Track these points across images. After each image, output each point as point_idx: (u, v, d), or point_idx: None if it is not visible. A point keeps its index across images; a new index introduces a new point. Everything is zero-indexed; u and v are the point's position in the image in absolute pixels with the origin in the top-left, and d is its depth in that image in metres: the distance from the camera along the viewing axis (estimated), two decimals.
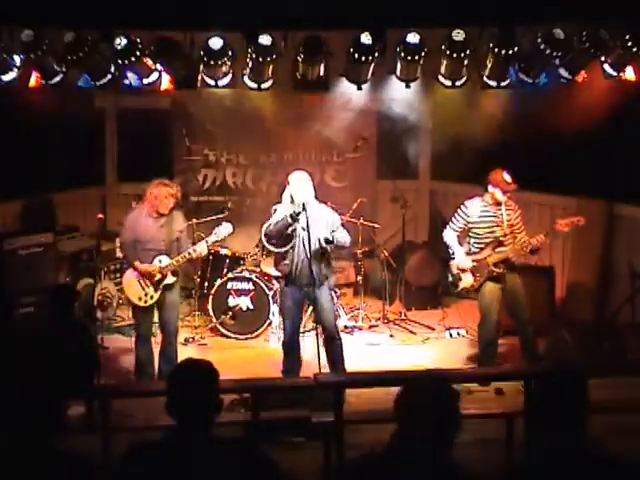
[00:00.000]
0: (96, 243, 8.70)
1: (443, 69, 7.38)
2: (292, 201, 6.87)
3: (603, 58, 7.20)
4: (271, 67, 7.32)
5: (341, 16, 7.07)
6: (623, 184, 8.37)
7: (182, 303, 7.91)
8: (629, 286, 8.39)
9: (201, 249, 7.24)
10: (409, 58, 7.17)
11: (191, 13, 7.02)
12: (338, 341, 7.14)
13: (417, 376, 3.16)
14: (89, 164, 10.19)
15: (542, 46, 7.03)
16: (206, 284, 9.21)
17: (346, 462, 5.23)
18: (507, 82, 7.46)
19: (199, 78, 7.44)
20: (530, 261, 8.49)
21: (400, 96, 8.35)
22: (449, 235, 7.70)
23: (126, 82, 7.41)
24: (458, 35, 7.04)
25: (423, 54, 7.15)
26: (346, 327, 8.97)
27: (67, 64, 7.17)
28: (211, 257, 9.21)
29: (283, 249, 7.03)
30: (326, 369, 7.01)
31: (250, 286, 8.86)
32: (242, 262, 9.26)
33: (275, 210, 7.03)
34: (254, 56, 7.14)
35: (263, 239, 7.12)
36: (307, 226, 6.73)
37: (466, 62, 7.24)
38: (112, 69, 7.23)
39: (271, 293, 8.83)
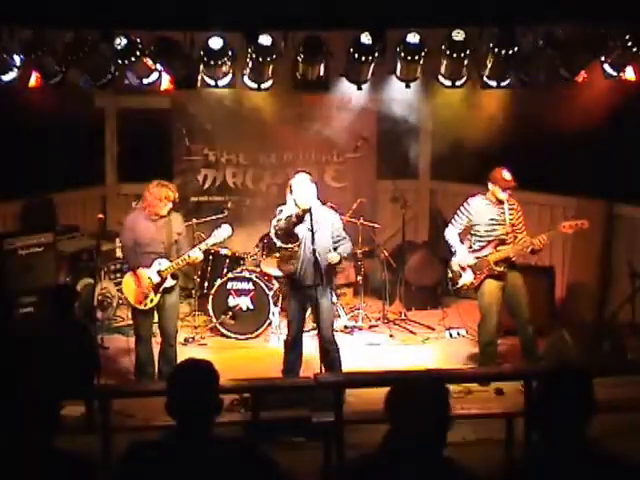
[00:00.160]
0: (96, 243, 8.70)
1: (443, 69, 7.38)
2: (296, 205, 6.85)
3: (603, 58, 7.20)
4: (271, 67, 7.31)
5: (341, 16, 7.07)
6: (623, 184, 8.37)
7: (182, 303, 7.91)
8: (629, 286, 8.38)
9: (196, 255, 7.22)
10: (409, 58, 7.17)
11: (191, 13, 7.02)
12: (334, 346, 7.09)
13: (405, 376, 3.17)
14: (89, 164, 10.20)
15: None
16: (206, 284, 9.22)
17: (344, 463, 5.24)
18: (507, 82, 7.46)
19: (199, 78, 7.44)
20: (530, 261, 8.49)
21: (400, 96, 8.36)
22: (451, 233, 7.70)
23: (126, 82, 7.42)
24: (458, 35, 7.04)
25: (423, 54, 7.15)
26: (346, 327, 8.97)
27: (67, 64, 7.17)
28: (211, 257, 9.22)
29: (290, 245, 7.00)
30: None
31: (250, 286, 8.87)
32: (242, 262, 9.26)
33: (281, 211, 7.00)
34: (254, 56, 7.14)
35: (271, 232, 7.10)
36: (311, 228, 6.72)
37: (466, 62, 7.24)
38: (112, 69, 7.23)
39: (271, 293, 8.83)
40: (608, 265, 8.99)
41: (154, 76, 7.38)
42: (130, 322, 7.83)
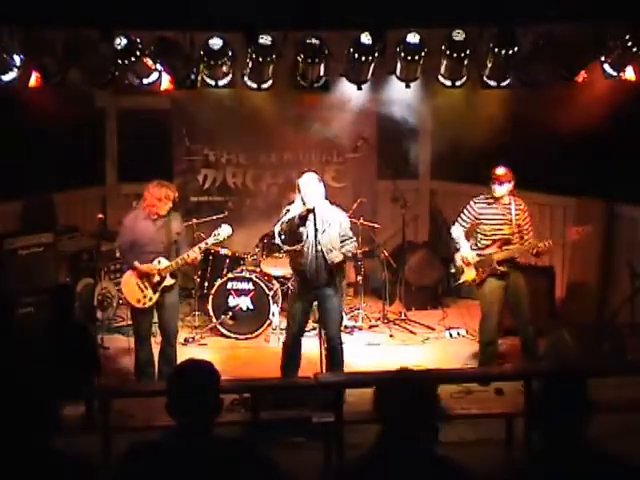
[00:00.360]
0: (96, 243, 8.69)
1: (443, 69, 7.37)
2: (303, 204, 6.86)
3: (603, 58, 7.20)
4: (271, 67, 7.31)
5: (341, 16, 7.07)
6: (623, 184, 8.37)
7: (182, 303, 7.92)
8: (629, 286, 8.39)
9: (195, 254, 7.22)
10: (409, 58, 7.16)
11: (191, 13, 7.01)
12: (339, 348, 7.10)
13: (389, 376, 3.18)
14: (89, 164, 10.20)
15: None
16: (206, 284, 9.22)
17: (343, 464, 5.24)
18: (507, 82, 7.46)
19: (199, 78, 7.44)
20: (530, 261, 8.49)
21: (400, 96, 8.35)
22: (456, 230, 7.71)
23: (126, 82, 7.42)
24: (458, 35, 7.03)
25: (423, 54, 7.15)
26: (346, 327, 8.96)
27: (67, 64, 7.17)
28: (211, 257, 9.22)
29: (293, 247, 7.01)
30: None
31: (250, 286, 8.87)
32: (242, 262, 9.25)
33: (288, 210, 7.00)
34: (254, 56, 7.14)
35: (275, 234, 7.10)
36: (315, 228, 6.72)
37: (466, 62, 7.23)
38: (112, 69, 7.22)
39: (271, 293, 8.83)
40: (608, 265, 8.99)
41: (154, 76, 7.38)
42: (130, 322, 7.83)
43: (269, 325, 8.80)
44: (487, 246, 7.53)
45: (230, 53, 7.19)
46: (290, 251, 7.07)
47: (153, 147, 10.06)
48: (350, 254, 7.18)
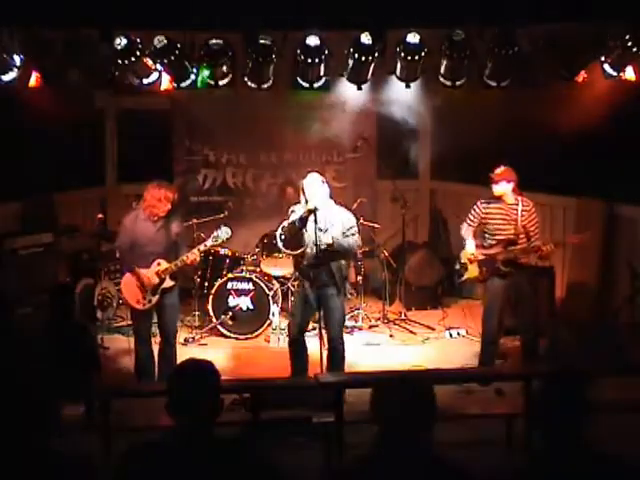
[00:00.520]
0: (96, 243, 8.69)
1: (443, 69, 7.38)
2: (306, 204, 6.86)
3: (603, 58, 7.20)
4: (271, 67, 7.32)
5: (341, 16, 7.07)
6: (623, 184, 8.37)
7: (182, 303, 7.92)
8: (629, 286, 8.39)
9: (195, 255, 7.22)
10: (409, 58, 7.17)
11: (191, 13, 7.02)
12: (340, 349, 7.10)
13: (387, 377, 3.19)
14: (89, 164, 10.20)
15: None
16: (206, 284, 9.21)
17: (341, 465, 5.24)
18: (507, 82, 7.46)
19: (199, 78, 7.44)
20: (530, 261, 8.49)
21: (400, 96, 8.35)
22: (464, 228, 7.74)
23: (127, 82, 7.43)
24: (458, 35, 7.04)
25: (423, 54, 7.15)
26: (346, 327, 8.95)
27: (67, 64, 7.17)
28: (211, 257, 9.22)
29: (292, 252, 7.02)
30: None
31: (250, 286, 8.87)
32: (242, 262, 9.25)
33: (293, 211, 7.00)
34: (254, 56, 7.14)
35: (277, 236, 7.10)
36: (315, 229, 6.72)
37: (466, 62, 7.24)
38: (112, 69, 7.23)
39: (271, 293, 8.83)
40: (608, 265, 8.99)
41: (154, 76, 7.38)
42: (130, 322, 7.82)
43: (269, 325, 8.79)
44: (492, 245, 7.54)
45: (230, 53, 7.21)
46: (289, 254, 7.07)
47: (153, 147, 10.06)
48: (343, 247, 6.94)
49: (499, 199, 7.48)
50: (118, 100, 10.10)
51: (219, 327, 8.85)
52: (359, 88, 7.56)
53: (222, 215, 9.26)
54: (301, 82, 7.49)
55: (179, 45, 7.12)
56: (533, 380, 5.90)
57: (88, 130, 9.92)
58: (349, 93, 7.87)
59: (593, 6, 6.88)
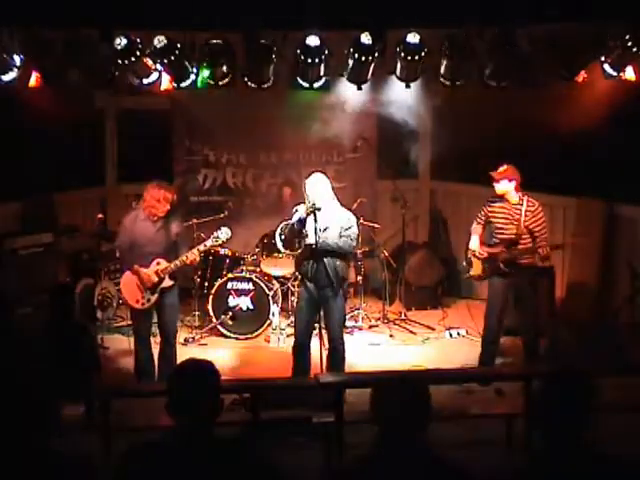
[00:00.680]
0: (96, 243, 8.68)
1: (443, 69, 7.38)
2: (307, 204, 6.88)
3: (603, 58, 7.20)
4: (271, 67, 7.32)
5: (341, 16, 7.07)
6: (623, 184, 8.37)
7: (182, 303, 7.92)
8: (629, 286, 8.39)
9: (194, 255, 7.22)
10: (409, 58, 7.17)
11: (192, 13, 7.02)
12: (340, 349, 7.10)
13: (385, 378, 3.19)
14: (89, 164, 10.19)
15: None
16: (206, 284, 9.21)
17: (341, 465, 5.24)
18: (507, 82, 7.46)
19: (198, 78, 7.44)
20: (533, 262, 8.48)
21: (400, 96, 8.35)
22: (473, 225, 7.78)
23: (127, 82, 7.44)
24: (458, 35, 7.04)
25: (423, 54, 7.15)
26: (346, 327, 8.95)
27: (67, 64, 7.17)
28: (211, 257, 9.21)
29: (291, 252, 7.02)
30: None
31: (250, 286, 8.87)
32: (242, 262, 9.25)
33: (296, 210, 7.01)
34: (254, 56, 7.14)
35: (277, 239, 7.11)
36: (315, 229, 6.72)
37: (466, 62, 7.24)
38: (112, 69, 7.22)
39: (271, 293, 8.83)
40: (608, 265, 9.00)
41: (154, 76, 7.38)
42: (130, 322, 7.83)
43: (269, 325, 8.80)
44: (496, 244, 7.55)
45: (231, 53, 7.21)
46: (289, 254, 7.08)
47: (153, 147, 10.06)
48: (338, 248, 6.89)
49: (503, 198, 7.47)
50: (118, 100, 10.09)
51: (219, 327, 8.85)
52: (359, 88, 7.55)
53: (222, 215, 9.26)
54: (301, 82, 7.49)
55: (179, 45, 7.11)
56: (533, 380, 5.90)
57: (88, 130, 9.91)
58: (349, 93, 7.87)
59: (593, 6, 6.88)
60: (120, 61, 7.07)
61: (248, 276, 8.89)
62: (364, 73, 7.40)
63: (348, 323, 9.02)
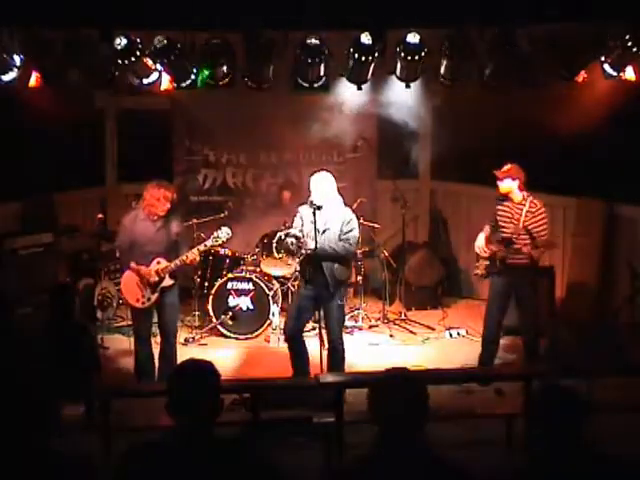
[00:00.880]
0: (96, 243, 8.68)
1: (443, 69, 7.38)
2: (311, 203, 6.90)
3: (603, 58, 7.20)
4: (271, 67, 7.32)
5: (341, 16, 7.07)
6: (623, 184, 8.37)
7: (182, 303, 7.92)
8: (629, 286, 8.39)
9: (194, 255, 7.23)
10: (409, 58, 7.17)
11: (192, 13, 7.02)
12: (340, 349, 7.12)
13: (381, 377, 3.19)
14: (89, 164, 10.19)
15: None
16: (206, 284, 9.21)
17: (341, 465, 5.25)
18: (507, 82, 7.46)
19: (198, 78, 7.44)
20: (521, 262, 8.48)
21: (400, 96, 8.35)
22: (485, 225, 7.73)
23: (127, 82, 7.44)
24: (458, 35, 7.04)
25: (423, 54, 7.15)
26: (346, 327, 8.95)
27: (67, 64, 7.17)
28: (211, 257, 9.21)
29: (286, 257, 7.03)
30: None
31: (250, 286, 8.87)
32: (242, 262, 9.25)
33: (298, 213, 7.06)
34: (255, 56, 7.14)
35: (274, 251, 7.13)
36: (315, 229, 6.73)
37: (465, 62, 7.24)
38: (112, 69, 7.23)
39: (271, 293, 8.83)
40: (608, 265, 9.00)
41: (154, 76, 7.38)
42: (130, 322, 7.83)
43: (269, 325, 8.80)
44: (497, 243, 7.54)
45: (231, 53, 7.21)
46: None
47: (153, 147, 10.06)
48: (335, 253, 6.90)
49: (509, 198, 7.46)
50: (118, 100, 10.09)
51: (219, 327, 8.85)
52: (359, 88, 7.56)
53: (222, 215, 9.27)
54: (301, 82, 7.49)
55: (179, 45, 7.12)
56: (533, 380, 5.90)
57: (88, 130, 9.91)
58: (349, 93, 7.87)
59: (593, 6, 6.88)
60: (120, 61, 7.07)
61: (248, 276, 8.89)
62: (364, 73, 7.40)
63: (348, 323, 9.02)
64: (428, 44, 7.14)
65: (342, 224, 6.94)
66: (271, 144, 10.42)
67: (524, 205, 7.39)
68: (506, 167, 7.42)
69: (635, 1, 6.94)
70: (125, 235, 7.25)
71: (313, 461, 5.65)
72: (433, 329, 9.18)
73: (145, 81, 7.40)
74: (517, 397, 6.41)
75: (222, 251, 9.22)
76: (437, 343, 8.82)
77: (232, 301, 8.86)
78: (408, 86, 7.57)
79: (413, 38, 7.06)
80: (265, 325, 8.83)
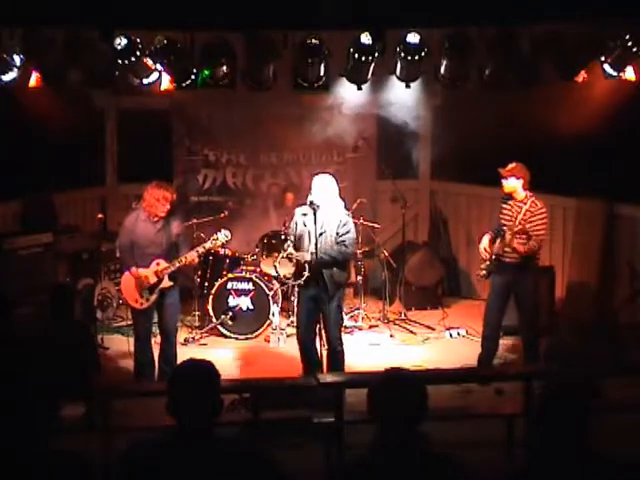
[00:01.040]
0: (96, 243, 8.68)
1: (443, 69, 7.38)
2: (311, 203, 6.93)
3: (603, 58, 7.20)
4: (271, 67, 7.32)
5: (341, 16, 7.07)
6: (623, 184, 8.37)
7: (182, 303, 7.92)
8: (629, 286, 8.38)
9: (193, 256, 7.24)
10: (409, 58, 7.17)
11: (192, 13, 7.02)
12: (339, 351, 7.12)
13: (381, 377, 3.20)
14: (89, 164, 10.19)
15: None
16: (206, 284, 9.21)
17: (342, 464, 5.25)
18: (507, 82, 7.46)
19: (199, 78, 7.44)
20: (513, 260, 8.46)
21: (400, 96, 8.35)
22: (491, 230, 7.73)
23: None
24: (458, 35, 7.04)
25: (423, 54, 7.15)
26: (346, 327, 8.96)
27: (67, 64, 7.17)
28: (211, 257, 9.21)
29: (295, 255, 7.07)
30: None
31: (250, 286, 8.87)
32: (242, 262, 9.25)
33: (295, 213, 7.09)
34: (255, 56, 7.14)
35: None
36: (315, 231, 6.74)
37: (466, 62, 7.24)
38: (112, 69, 7.23)
39: (271, 293, 8.83)
40: (608, 265, 8.99)
41: (154, 76, 7.38)
42: (130, 322, 7.83)
43: (269, 325, 8.80)
44: (499, 241, 7.54)
45: (230, 53, 7.21)
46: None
47: (153, 147, 10.05)
48: (333, 259, 6.93)
49: (512, 196, 7.46)
50: (118, 100, 10.09)
51: (219, 327, 8.84)
52: (359, 88, 7.56)
53: (222, 215, 9.26)
54: (301, 82, 7.49)
55: (179, 45, 7.12)
56: (533, 380, 5.90)
57: (88, 130, 9.91)
58: (349, 93, 7.87)
59: (593, 6, 6.88)
60: (120, 61, 7.07)
61: (248, 276, 8.89)
62: (364, 73, 7.40)
63: (348, 323, 9.03)
64: (428, 44, 7.14)
65: (338, 226, 6.95)
66: (271, 144, 10.43)
67: (525, 204, 7.39)
68: (511, 165, 7.40)
69: (635, 1, 6.94)
70: (126, 236, 7.26)
71: (313, 461, 5.65)
72: (433, 329, 9.18)
73: (145, 81, 7.41)
74: (517, 397, 6.41)
75: (222, 251, 9.21)
76: (437, 343, 8.82)
77: (232, 301, 8.86)
78: (408, 86, 7.56)
79: (413, 38, 7.06)
80: (265, 325, 8.83)
